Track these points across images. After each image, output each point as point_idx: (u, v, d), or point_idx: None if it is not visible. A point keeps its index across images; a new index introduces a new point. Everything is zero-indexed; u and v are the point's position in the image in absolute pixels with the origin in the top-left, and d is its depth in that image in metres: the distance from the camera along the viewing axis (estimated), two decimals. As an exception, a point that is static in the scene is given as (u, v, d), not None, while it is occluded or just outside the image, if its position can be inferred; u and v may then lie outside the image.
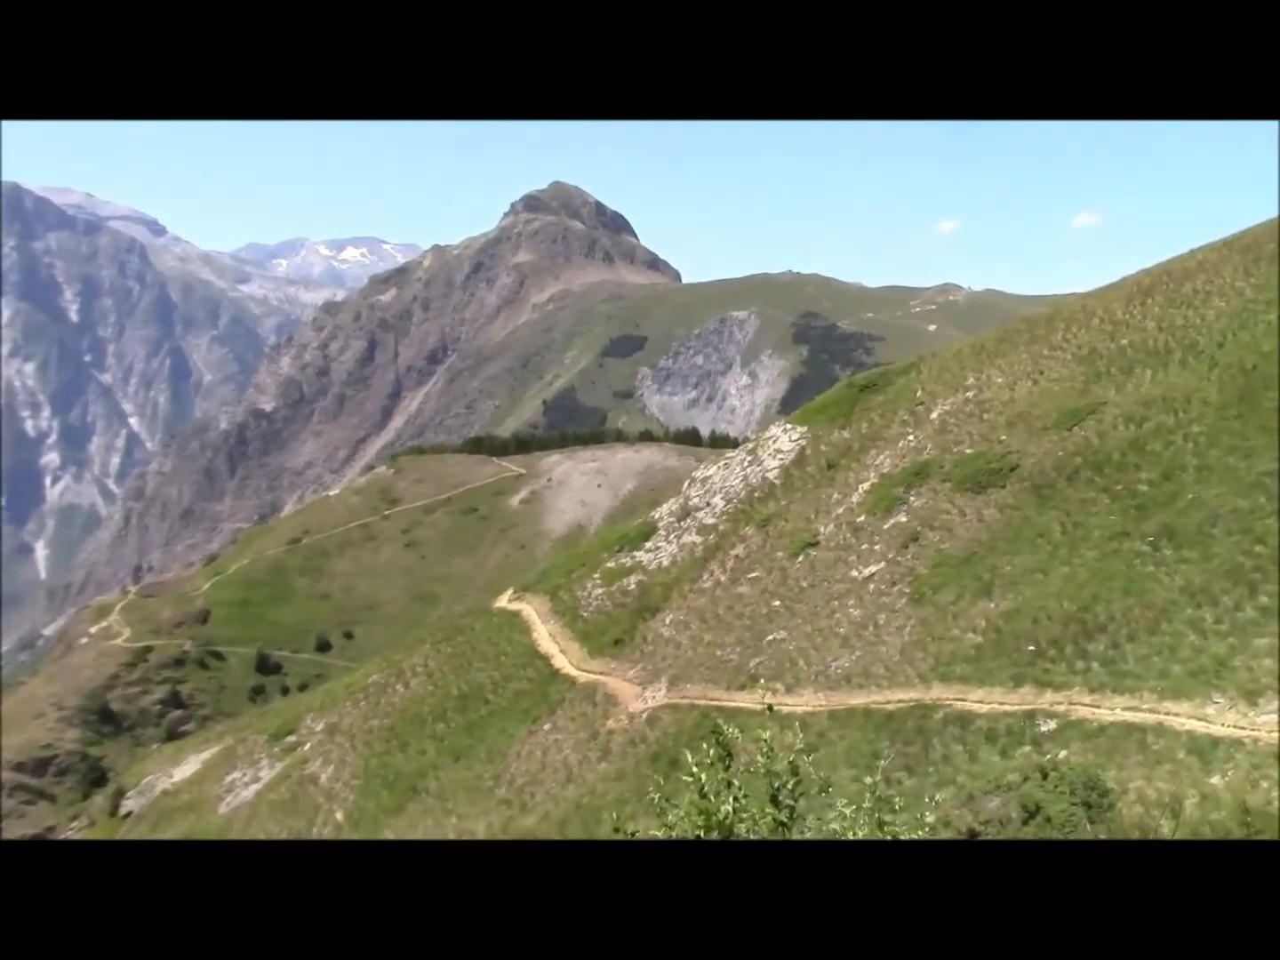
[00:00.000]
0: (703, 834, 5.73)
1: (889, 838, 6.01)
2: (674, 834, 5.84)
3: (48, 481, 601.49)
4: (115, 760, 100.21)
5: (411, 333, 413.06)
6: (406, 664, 58.46)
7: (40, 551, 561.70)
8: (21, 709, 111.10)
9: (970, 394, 47.66)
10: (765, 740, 5.98)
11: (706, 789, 5.87)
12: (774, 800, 5.93)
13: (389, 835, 42.88)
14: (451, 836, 39.23)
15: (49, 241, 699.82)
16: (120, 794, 71.04)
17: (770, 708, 6.49)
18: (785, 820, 5.87)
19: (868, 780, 6.28)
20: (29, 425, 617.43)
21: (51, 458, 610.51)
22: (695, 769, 5.94)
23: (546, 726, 43.74)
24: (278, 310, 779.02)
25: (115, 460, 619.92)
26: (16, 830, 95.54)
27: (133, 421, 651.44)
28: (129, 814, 66.23)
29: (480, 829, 38.57)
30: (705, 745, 6.21)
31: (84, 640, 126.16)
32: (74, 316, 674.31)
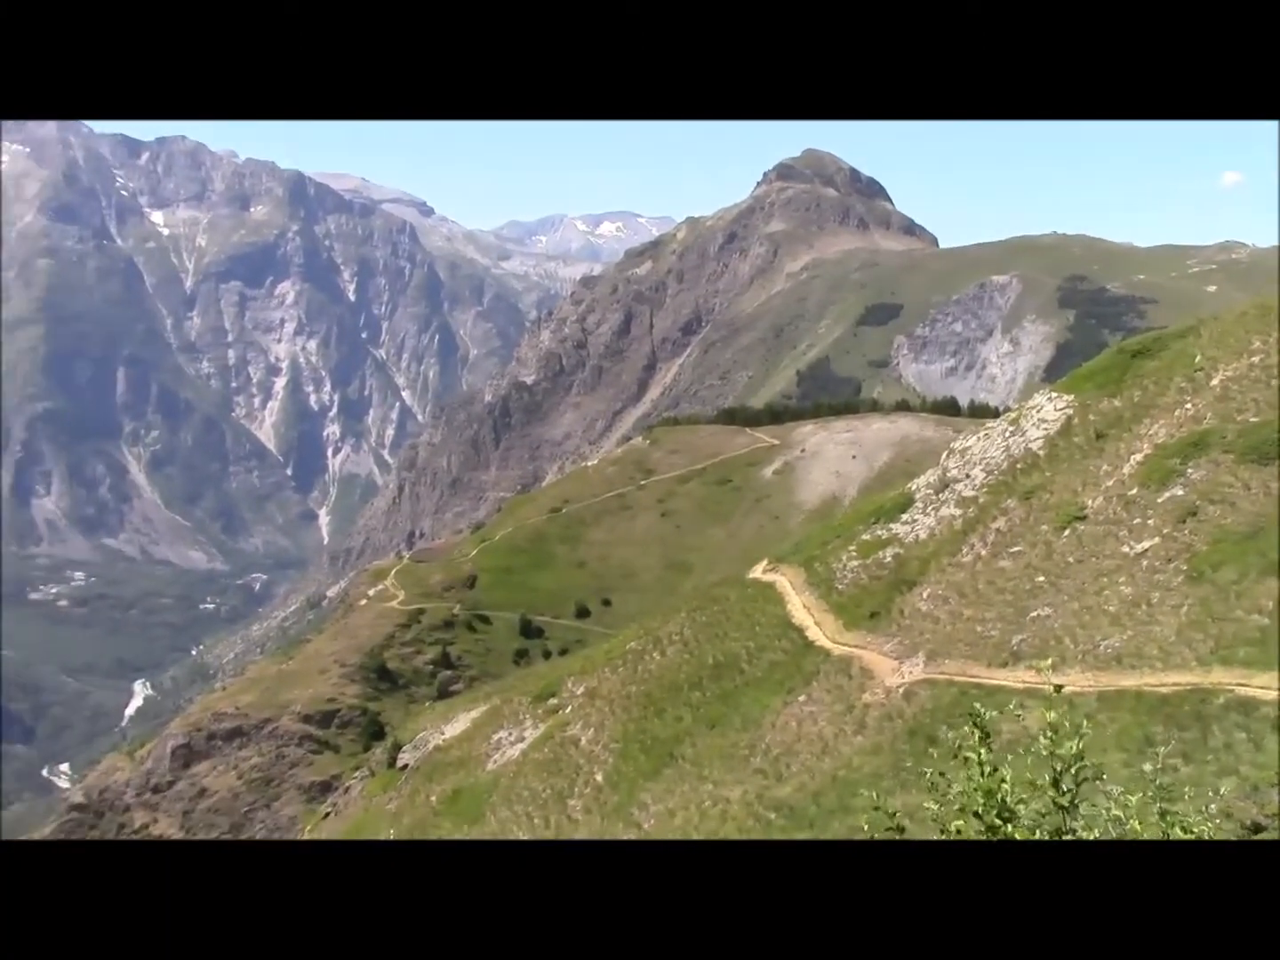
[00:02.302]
0: (981, 810, 5.71)
1: (1171, 827, 5.84)
2: (954, 809, 5.84)
3: (329, 452, 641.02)
4: (392, 715, 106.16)
5: (666, 305, 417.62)
6: (662, 632, 59.46)
7: (323, 518, 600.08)
8: (308, 665, 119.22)
9: (1256, 359, 44.57)
10: (1052, 722, 5.90)
11: (985, 769, 5.85)
12: (1055, 784, 5.84)
13: (647, 799, 43.91)
14: (707, 803, 39.85)
15: (328, 225, 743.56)
16: (397, 748, 75.11)
17: (1059, 688, 6.40)
18: (1066, 805, 5.78)
19: (1147, 768, 6.09)
20: (312, 399, 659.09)
21: (333, 430, 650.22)
22: (973, 746, 5.93)
23: (801, 698, 43.73)
24: (537, 286, 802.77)
25: (390, 432, 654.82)
26: (305, 777, 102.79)
27: (405, 395, 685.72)
28: (405, 767, 70.05)
29: (735, 796, 39.01)
30: (968, 726, 6.15)
31: (363, 602, 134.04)
32: (351, 296, 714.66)
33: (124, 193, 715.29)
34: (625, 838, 41.62)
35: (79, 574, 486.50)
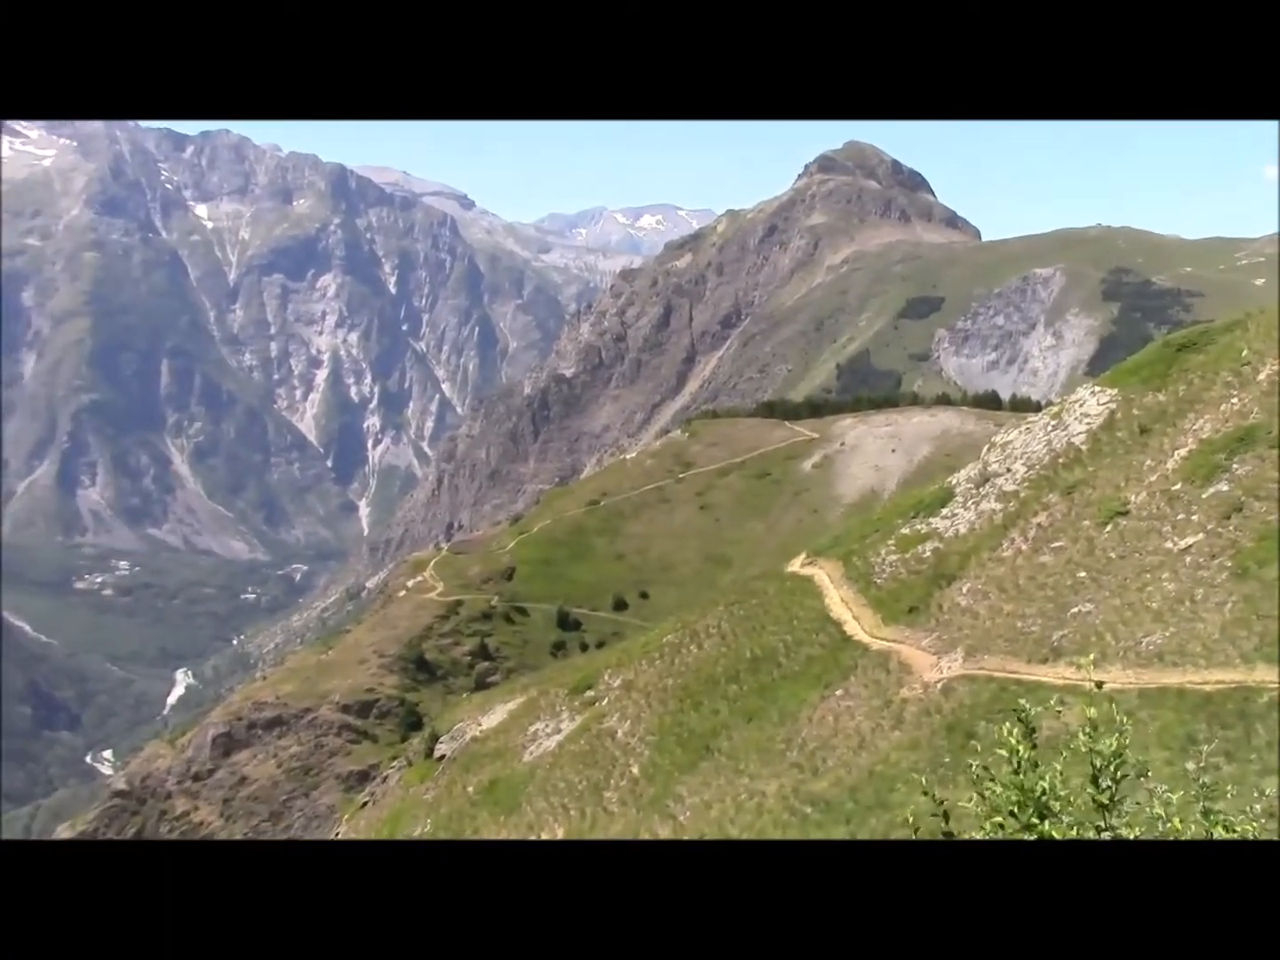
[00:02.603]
0: (1017, 810, 5.62)
1: (1214, 826, 5.71)
2: (988, 806, 5.74)
3: (370, 444, 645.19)
4: (430, 706, 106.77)
5: (706, 298, 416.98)
6: (700, 625, 59.35)
7: (363, 509, 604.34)
8: (348, 655, 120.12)
9: (1305, 353, 43.86)
10: (1091, 719, 5.79)
11: (1023, 765, 5.74)
12: (1094, 781, 5.73)
13: (683, 792, 43.85)
14: (743, 797, 39.72)
15: (369, 218, 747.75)
16: (435, 738, 75.40)
17: (1099, 684, 6.30)
18: (1106, 802, 5.67)
19: (1190, 766, 5.97)
20: (353, 391, 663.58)
21: (373, 421, 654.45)
22: (1012, 742, 5.83)
23: (839, 692, 43.51)
24: (577, 278, 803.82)
25: (429, 424, 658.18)
26: (344, 767, 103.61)
27: (445, 387, 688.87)
28: (442, 757, 70.35)
29: (771, 790, 38.89)
30: (1008, 723, 6.06)
31: (402, 593, 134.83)
32: (392, 289, 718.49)
33: (169, 186, 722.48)
34: (661, 830, 41.62)
35: (123, 564, 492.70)
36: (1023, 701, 6.16)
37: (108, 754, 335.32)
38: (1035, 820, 5.58)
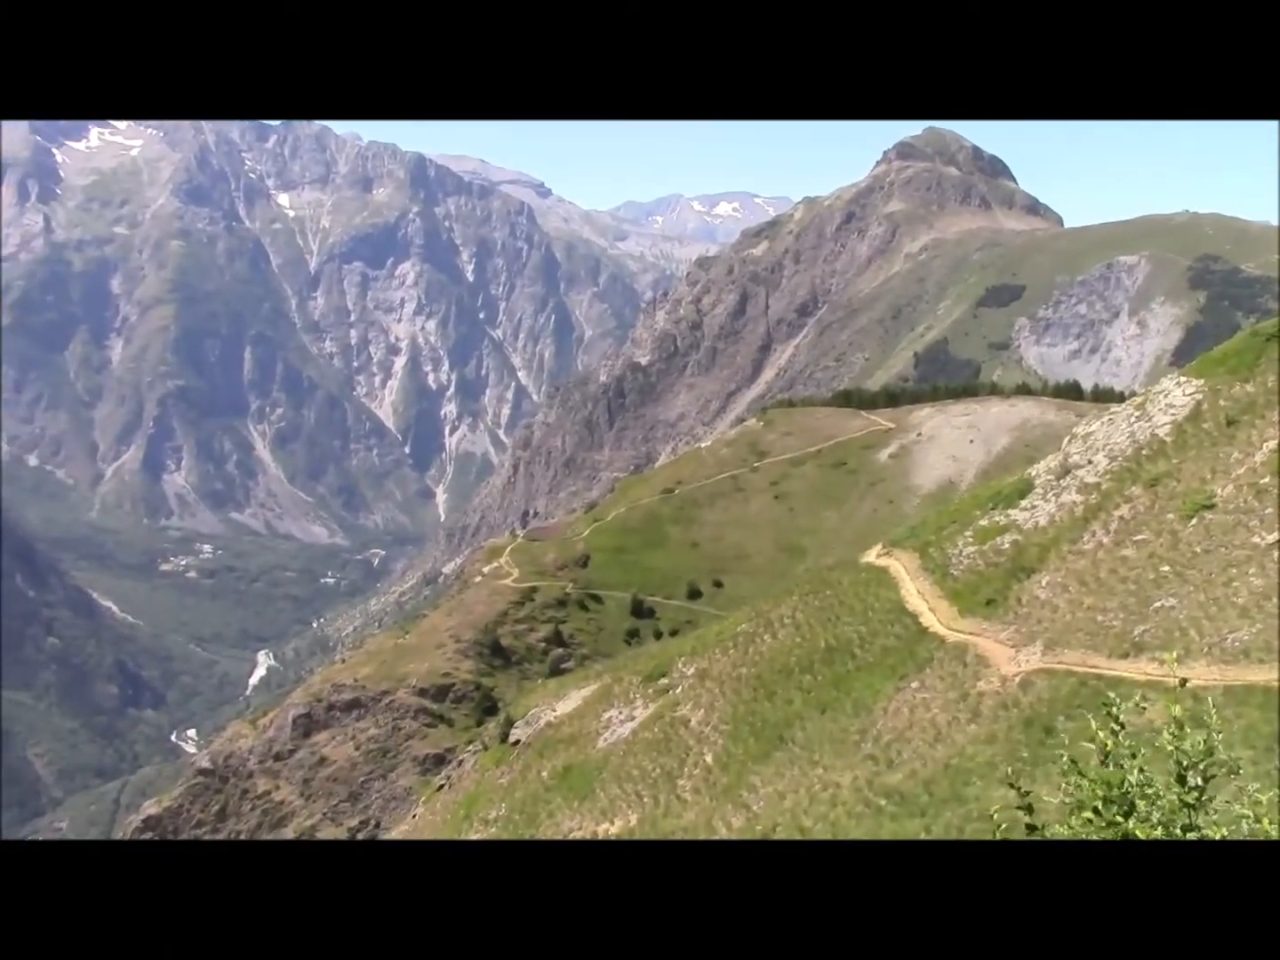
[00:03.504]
0: (1101, 805, 5.60)
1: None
2: (1071, 801, 5.73)
3: (447, 431, 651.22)
4: (505, 691, 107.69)
5: (782, 286, 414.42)
6: (774, 614, 59.23)
7: (440, 496, 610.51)
8: (425, 639, 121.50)
9: (1402, 343, 42.64)
10: (1176, 716, 5.76)
11: (1109, 758, 5.73)
12: (1180, 778, 5.70)
13: (756, 782, 43.87)
14: (817, 788, 39.64)
15: (448, 207, 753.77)
16: (509, 723, 76.06)
17: (1184, 681, 6.26)
18: (1192, 801, 5.63)
19: (1280, 767, 5.91)
20: (430, 379, 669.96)
21: (450, 409, 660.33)
22: (1100, 735, 5.81)
23: (914, 684, 43.22)
24: (653, 266, 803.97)
25: (506, 411, 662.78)
26: (420, 750, 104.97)
27: (521, 375, 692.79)
28: (517, 742, 71.00)
29: (845, 782, 38.78)
30: (1094, 715, 6.04)
31: (478, 579, 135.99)
32: (470, 276, 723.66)
33: (252, 176, 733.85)
34: (734, 819, 41.71)
35: (207, 547, 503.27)
36: (1112, 695, 6.13)
37: (191, 733, 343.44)
38: (1120, 819, 5.55)
